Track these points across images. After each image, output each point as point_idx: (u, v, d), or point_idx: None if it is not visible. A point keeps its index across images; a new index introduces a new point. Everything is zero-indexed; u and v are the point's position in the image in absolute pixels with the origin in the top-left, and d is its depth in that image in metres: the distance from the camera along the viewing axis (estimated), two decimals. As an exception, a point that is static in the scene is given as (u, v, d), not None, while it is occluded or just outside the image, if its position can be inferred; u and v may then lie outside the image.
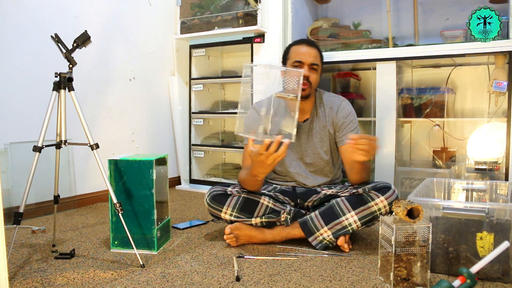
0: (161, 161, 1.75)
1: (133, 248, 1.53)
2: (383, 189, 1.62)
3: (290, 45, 1.85)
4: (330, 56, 2.47)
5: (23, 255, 1.62)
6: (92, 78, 2.50)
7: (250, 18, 2.59)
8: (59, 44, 1.56)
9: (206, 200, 1.77)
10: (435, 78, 2.57)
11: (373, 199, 1.60)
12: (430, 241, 1.27)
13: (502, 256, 1.27)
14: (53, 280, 1.37)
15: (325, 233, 1.63)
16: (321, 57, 1.83)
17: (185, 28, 2.87)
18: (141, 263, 1.50)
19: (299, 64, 1.75)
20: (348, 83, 2.66)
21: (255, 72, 1.54)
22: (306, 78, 1.72)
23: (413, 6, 2.51)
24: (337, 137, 1.80)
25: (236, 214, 1.71)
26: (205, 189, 2.84)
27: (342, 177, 1.95)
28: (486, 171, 2.22)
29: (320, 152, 1.82)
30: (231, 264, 1.50)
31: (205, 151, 2.98)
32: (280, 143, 1.41)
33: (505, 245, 1.15)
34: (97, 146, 1.58)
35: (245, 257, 1.57)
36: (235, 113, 2.68)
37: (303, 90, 1.71)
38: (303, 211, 1.76)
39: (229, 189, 1.76)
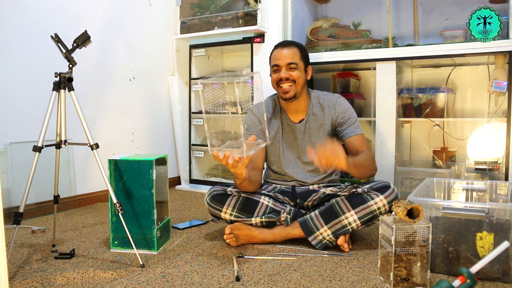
0: (161, 161, 1.75)
1: (133, 248, 1.54)
2: (382, 188, 1.63)
3: (272, 50, 1.84)
4: (330, 56, 2.47)
5: (23, 255, 1.62)
6: (92, 78, 2.50)
7: (250, 18, 2.59)
8: (59, 44, 1.56)
9: (206, 200, 1.77)
10: (435, 78, 2.57)
11: (372, 199, 1.61)
12: (430, 241, 1.27)
13: (502, 256, 1.27)
14: (53, 280, 1.37)
15: (325, 232, 1.63)
16: (303, 54, 1.80)
17: (185, 28, 2.87)
18: (141, 263, 1.50)
19: (277, 68, 1.77)
20: (348, 83, 2.66)
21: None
22: (286, 79, 1.74)
23: (413, 6, 2.51)
24: (339, 132, 1.81)
25: (236, 214, 1.71)
26: (205, 189, 2.84)
27: (341, 176, 1.95)
28: (486, 171, 2.21)
29: None
30: (231, 264, 1.50)
31: (205, 151, 2.98)
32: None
33: (505, 245, 1.15)
34: (97, 146, 1.58)
35: (245, 257, 1.57)
36: (234, 113, 2.70)
37: (286, 92, 1.73)
38: (303, 211, 1.76)
39: (229, 189, 1.76)
